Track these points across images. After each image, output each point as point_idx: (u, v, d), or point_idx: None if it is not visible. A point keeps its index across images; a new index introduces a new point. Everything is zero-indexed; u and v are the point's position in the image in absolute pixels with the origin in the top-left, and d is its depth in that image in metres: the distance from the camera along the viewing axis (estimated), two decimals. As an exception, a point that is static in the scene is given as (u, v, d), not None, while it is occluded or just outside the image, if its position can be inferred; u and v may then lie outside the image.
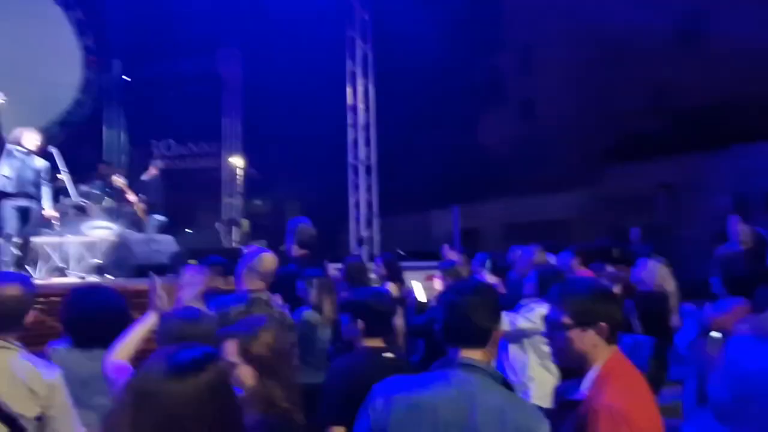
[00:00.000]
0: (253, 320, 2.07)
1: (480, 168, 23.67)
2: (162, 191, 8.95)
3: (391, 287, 4.46)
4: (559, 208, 18.65)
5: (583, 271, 4.55)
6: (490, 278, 4.46)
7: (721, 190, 13.55)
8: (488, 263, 5.17)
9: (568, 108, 22.26)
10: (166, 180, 9.25)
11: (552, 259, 4.75)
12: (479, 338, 1.61)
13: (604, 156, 19.37)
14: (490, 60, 25.78)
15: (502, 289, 4.36)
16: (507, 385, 1.62)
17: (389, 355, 2.34)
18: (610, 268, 4.81)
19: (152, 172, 9.00)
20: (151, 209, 8.38)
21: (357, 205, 10.89)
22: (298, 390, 2.52)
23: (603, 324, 1.77)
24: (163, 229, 8.29)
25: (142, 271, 6.11)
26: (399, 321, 3.35)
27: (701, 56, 18.80)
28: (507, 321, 3.05)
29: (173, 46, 13.65)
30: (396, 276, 4.97)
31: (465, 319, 1.63)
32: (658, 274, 4.60)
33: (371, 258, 8.90)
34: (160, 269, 6.29)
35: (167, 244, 7.27)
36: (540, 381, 3.16)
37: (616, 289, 3.86)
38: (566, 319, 1.79)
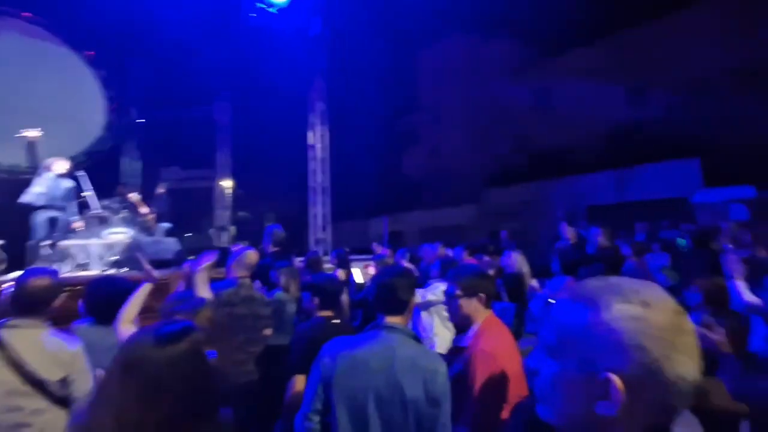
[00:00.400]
0: (195, 302, 1.97)
1: (403, 189, 24.12)
2: (168, 206, 8.43)
3: (340, 273, 4.40)
4: (456, 217, 19.14)
5: (470, 260, 4.66)
6: (408, 266, 4.49)
7: (558, 206, 14.38)
8: (407, 255, 5.20)
9: (462, 150, 23.08)
10: (172, 197, 8.73)
11: (449, 252, 4.86)
12: (399, 307, 1.61)
13: (485, 182, 20.18)
14: (412, 116, 26.44)
15: (416, 273, 4.40)
16: (418, 340, 1.63)
17: (337, 321, 2.30)
18: (487, 258, 4.94)
19: (160, 191, 8.47)
20: (159, 219, 7.86)
21: (315, 215, 10.75)
22: (241, 352, 2.43)
23: (482, 294, 1.83)
24: (169, 233, 7.78)
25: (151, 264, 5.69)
26: (344, 297, 3.30)
27: (547, 117, 20.11)
28: (419, 295, 3.09)
29: (179, 97, 13.07)
30: (344, 265, 4.93)
31: (390, 293, 1.61)
32: (518, 262, 4.75)
33: (326, 253, 8.76)
34: (167, 263, 5.91)
35: (172, 244, 6.81)
36: (442, 336, 3.19)
37: (491, 271, 3.97)
38: (458, 292, 1.84)
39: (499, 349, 1.69)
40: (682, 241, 5.30)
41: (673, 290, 3.01)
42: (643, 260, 3.60)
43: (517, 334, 2.87)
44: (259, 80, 12.92)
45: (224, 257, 3.27)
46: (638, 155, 13.89)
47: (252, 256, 3.07)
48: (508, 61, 22.63)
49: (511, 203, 17.00)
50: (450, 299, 1.89)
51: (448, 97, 24.11)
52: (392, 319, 1.58)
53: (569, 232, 4.52)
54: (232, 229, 13.44)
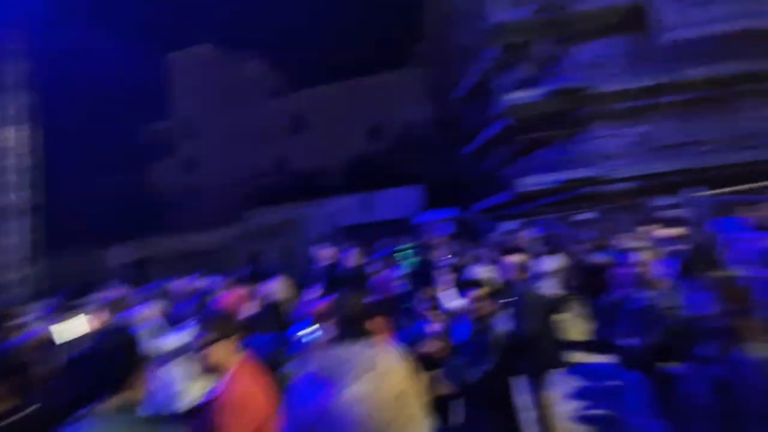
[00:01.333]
0: None
1: (153, 209, 20.92)
2: None
3: (51, 330, 3.19)
4: (213, 240, 17.70)
5: (235, 290, 4.22)
6: (156, 308, 3.68)
7: (313, 227, 15.37)
8: (158, 291, 4.32)
9: (220, 166, 21.96)
10: None
11: (204, 284, 4.36)
12: (119, 382, 1.24)
13: (243, 202, 19.75)
14: (160, 124, 23.38)
15: (166, 314, 3.65)
16: (150, 421, 1.27)
17: (23, 413, 1.60)
18: (246, 287, 4.61)
19: None
20: None
21: (13, 247, 7.78)
22: None
23: (234, 336, 1.77)
24: None
25: None
26: (45, 366, 2.38)
27: (304, 141, 21.58)
28: (165, 342, 2.60)
29: None
30: (63, 317, 3.59)
31: (105, 365, 1.24)
32: (282, 288, 4.67)
33: (34, 298, 6.37)
34: None
35: None
36: (191, 390, 2.77)
37: (252, 304, 3.73)
38: (206, 339, 1.73)
39: (248, 394, 1.64)
40: (409, 254, 6.53)
41: (408, 295, 3.58)
42: (385, 273, 4.19)
43: (277, 364, 2.79)
44: None
45: None
46: (378, 182, 16.60)
47: None
48: (266, 83, 23.19)
49: (272, 224, 17.05)
50: (199, 345, 1.73)
51: (205, 110, 22.51)
52: (108, 401, 1.20)
53: (328, 253, 4.69)
54: None
